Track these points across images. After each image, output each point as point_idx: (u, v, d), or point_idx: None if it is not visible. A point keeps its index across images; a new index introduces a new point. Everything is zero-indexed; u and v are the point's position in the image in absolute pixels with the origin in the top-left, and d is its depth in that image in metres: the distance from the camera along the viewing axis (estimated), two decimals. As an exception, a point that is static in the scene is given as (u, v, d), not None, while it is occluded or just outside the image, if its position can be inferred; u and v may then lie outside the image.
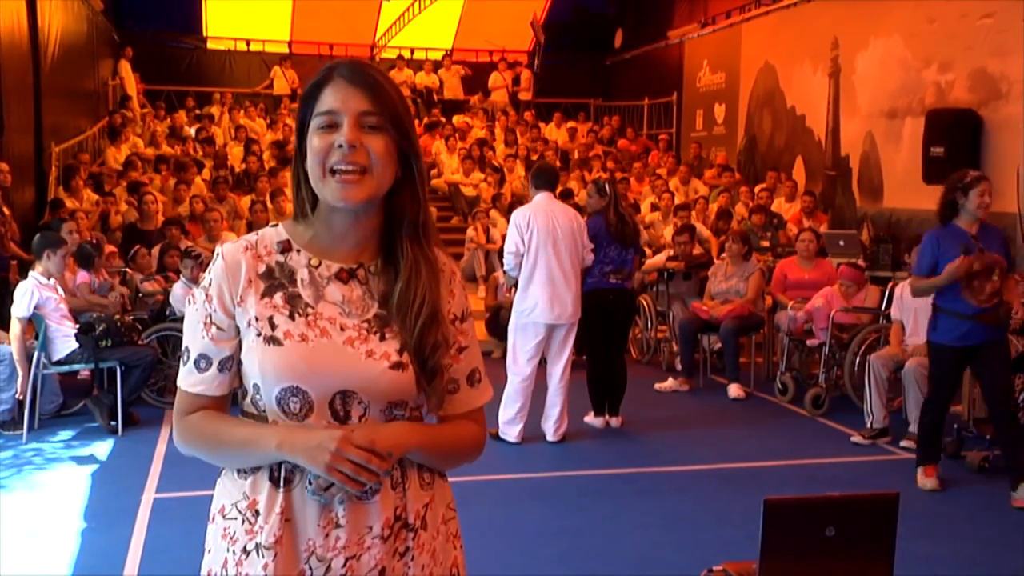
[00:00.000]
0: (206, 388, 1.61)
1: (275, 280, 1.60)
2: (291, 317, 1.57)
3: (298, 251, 1.63)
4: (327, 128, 1.56)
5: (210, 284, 1.61)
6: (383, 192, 1.59)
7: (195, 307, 1.62)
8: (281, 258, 1.62)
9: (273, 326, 1.56)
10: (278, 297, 1.59)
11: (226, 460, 1.62)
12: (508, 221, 6.55)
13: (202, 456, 1.63)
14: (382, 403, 1.59)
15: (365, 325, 1.59)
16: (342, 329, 1.58)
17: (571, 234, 6.19)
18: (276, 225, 1.68)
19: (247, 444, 1.56)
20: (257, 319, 1.57)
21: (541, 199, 6.27)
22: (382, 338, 1.59)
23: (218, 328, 1.59)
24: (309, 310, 1.58)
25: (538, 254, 6.09)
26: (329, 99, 1.56)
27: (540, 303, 6.10)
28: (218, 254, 1.62)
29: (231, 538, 1.58)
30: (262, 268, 1.61)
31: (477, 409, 1.73)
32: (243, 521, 1.58)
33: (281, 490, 1.56)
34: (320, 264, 1.62)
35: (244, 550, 1.56)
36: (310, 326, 1.57)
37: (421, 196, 1.64)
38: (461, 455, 1.71)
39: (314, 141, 1.56)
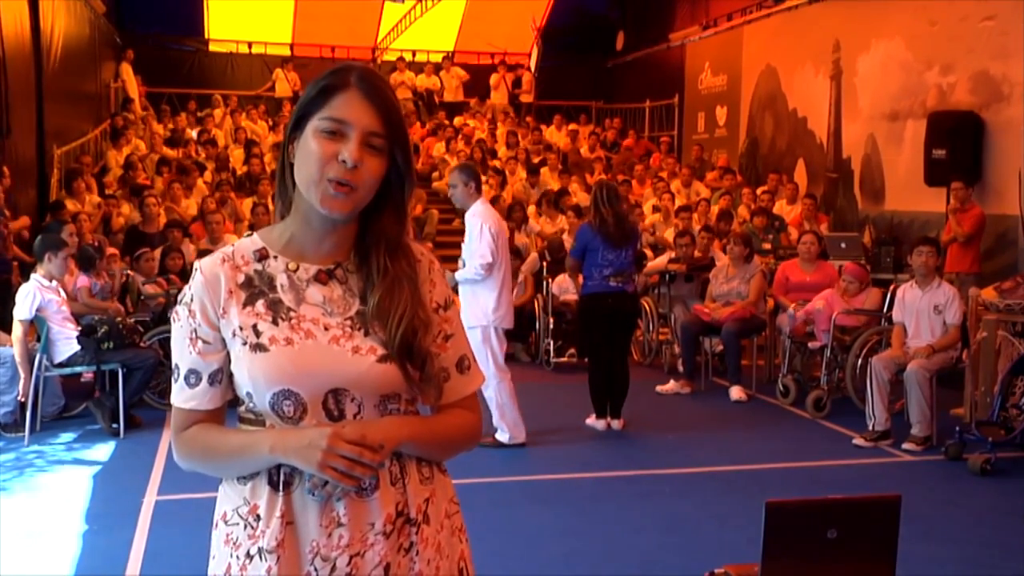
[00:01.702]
0: (198, 403, 1.61)
1: (255, 288, 1.61)
2: (274, 322, 1.58)
3: (275, 257, 1.64)
4: (331, 134, 1.55)
5: (192, 299, 1.61)
6: (361, 208, 1.61)
7: (179, 324, 1.62)
8: (259, 266, 1.63)
9: (258, 333, 1.57)
10: (260, 304, 1.60)
11: (224, 470, 1.63)
12: (505, 224, 6.50)
13: (202, 469, 1.64)
14: (375, 398, 1.59)
15: (348, 322, 1.60)
16: (326, 329, 1.59)
17: (507, 238, 6.26)
18: (250, 235, 1.69)
19: (242, 452, 1.57)
20: (241, 328, 1.58)
21: (483, 205, 6.17)
22: (367, 333, 1.60)
23: (204, 342, 1.60)
24: (292, 314, 1.59)
25: (502, 261, 6.09)
26: (342, 107, 1.56)
27: (507, 310, 6.10)
28: (197, 269, 1.63)
29: (234, 543, 1.59)
30: (241, 278, 1.61)
31: (470, 396, 1.73)
32: (245, 526, 1.58)
33: (281, 493, 1.56)
34: (298, 268, 1.63)
35: (247, 555, 1.57)
36: (294, 329, 1.57)
37: (405, 216, 1.66)
38: (457, 444, 1.71)
39: (313, 143, 1.56)
